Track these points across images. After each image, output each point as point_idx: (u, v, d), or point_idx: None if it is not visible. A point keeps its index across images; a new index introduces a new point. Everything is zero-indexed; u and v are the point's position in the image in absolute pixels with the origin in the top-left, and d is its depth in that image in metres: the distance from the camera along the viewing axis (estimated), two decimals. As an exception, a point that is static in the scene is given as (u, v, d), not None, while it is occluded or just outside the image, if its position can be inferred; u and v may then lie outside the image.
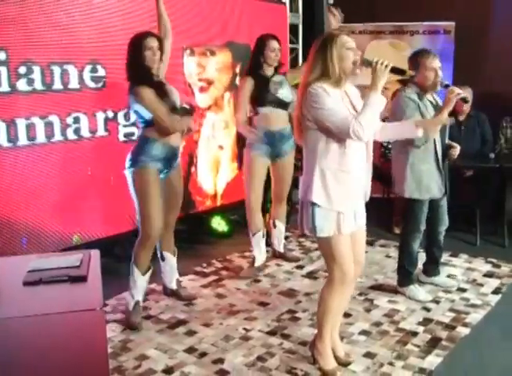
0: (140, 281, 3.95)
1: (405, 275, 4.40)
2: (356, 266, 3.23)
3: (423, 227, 4.28)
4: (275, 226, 5.20)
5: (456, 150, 4.22)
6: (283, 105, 4.75)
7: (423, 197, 4.17)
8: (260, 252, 4.98)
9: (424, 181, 4.12)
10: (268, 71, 4.74)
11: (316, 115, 2.93)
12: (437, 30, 6.78)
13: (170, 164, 3.99)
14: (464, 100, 4.04)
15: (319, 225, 3.01)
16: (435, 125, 3.90)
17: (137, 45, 3.78)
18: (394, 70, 2.94)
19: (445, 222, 4.42)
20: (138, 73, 3.78)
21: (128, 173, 3.89)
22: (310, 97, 2.93)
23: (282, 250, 5.29)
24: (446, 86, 3.95)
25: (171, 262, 4.33)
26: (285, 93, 4.75)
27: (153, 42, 3.78)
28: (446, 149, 4.22)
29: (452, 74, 6.49)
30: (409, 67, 4.03)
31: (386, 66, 2.88)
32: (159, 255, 4.31)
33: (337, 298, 3.19)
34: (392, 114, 4.09)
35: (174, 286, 4.42)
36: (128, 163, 3.89)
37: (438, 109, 4.04)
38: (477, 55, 6.57)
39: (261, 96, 4.69)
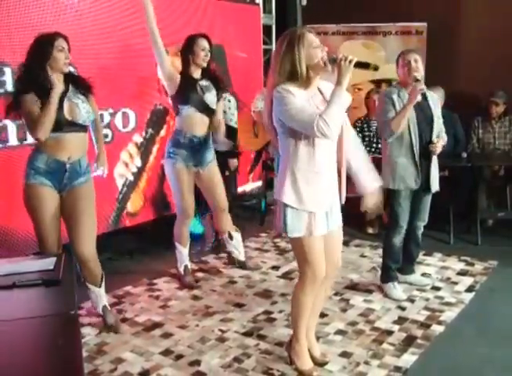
0: None
1: (387, 270, 4.45)
2: (332, 268, 3.24)
3: (403, 222, 4.30)
4: (231, 238, 5.02)
5: (435, 145, 4.20)
6: (207, 110, 4.49)
7: (398, 187, 4.21)
8: (187, 258, 4.87)
9: (399, 172, 4.18)
10: (196, 73, 4.47)
11: (284, 116, 2.92)
12: (409, 30, 6.83)
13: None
14: (424, 96, 4.12)
15: (290, 226, 3.02)
16: (400, 120, 4.01)
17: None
18: (359, 65, 2.90)
19: (423, 218, 4.42)
20: None
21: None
22: (277, 100, 2.91)
23: (243, 258, 5.13)
24: (416, 81, 4.03)
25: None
26: (211, 99, 4.49)
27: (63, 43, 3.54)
28: (430, 143, 4.23)
29: (424, 75, 6.53)
30: (396, 67, 4.22)
31: (350, 61, 2.84)
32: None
33: (310, 298, 3.19)
34: (376, 111, 4.19)
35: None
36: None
37: (422, 106, 4.15)
38: (448, 55, 6.63)
39: (186, 94, 4.40)
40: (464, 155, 5.87)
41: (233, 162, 5.68)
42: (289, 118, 2.90)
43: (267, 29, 7.10)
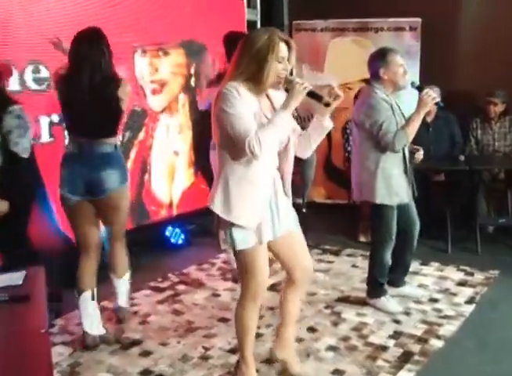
0: None
1: (376, 286, 4.40)
2: (303, 272, 3.21)
3: (394, 235, 4.27)
4: None
5: (420, 153, 4.24)
6: None
7: (393, 203, 4.18)
8: None
9: (394, 186, 4.15)
10: None
11: (222, 118, 2.83)
12: (402, 26, 6.84)
13: None
14: (438, 105, 4.08)
15: (238, 238, 2.93)
16: (414, 129, 3.97)
17: None
18: (312, 95, 2.90)
19: (416, 223, 4.38)
20: None
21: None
22: (221, 97, 2.83)
23: None
24: (418, 88, 3.98)
25: None
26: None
27: None
28: (410, 152, 4.26)
29: (419, 73, 6.55)
30: (379, 66, 4.10)
31: (305, 88, 2.82)
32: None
33: (252, 314, 3.13)
34: (367, 117, 4.07)
35: None
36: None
37: (400, 110, 4.13)
38: (444, 53, 6.65)
39: None
40: (462, 158, 5.86)
41: None
42: (225, 122, 2.82)
43: (251, 25, 7.10)
